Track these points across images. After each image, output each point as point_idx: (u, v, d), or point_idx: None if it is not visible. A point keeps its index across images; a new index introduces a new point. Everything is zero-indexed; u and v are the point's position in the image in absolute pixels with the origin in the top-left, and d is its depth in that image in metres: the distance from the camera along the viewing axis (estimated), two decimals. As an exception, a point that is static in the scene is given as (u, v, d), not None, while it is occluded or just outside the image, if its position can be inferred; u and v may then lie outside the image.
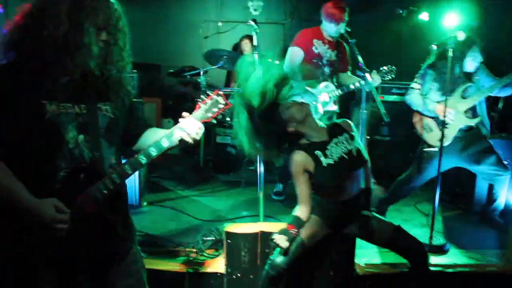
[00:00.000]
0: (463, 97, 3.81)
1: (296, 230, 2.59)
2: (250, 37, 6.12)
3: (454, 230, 4.02)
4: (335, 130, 2.73)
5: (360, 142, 2.80)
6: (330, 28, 4.41)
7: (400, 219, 4.23)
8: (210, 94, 1.99)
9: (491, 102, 5.24)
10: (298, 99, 2.65)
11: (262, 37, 5.54)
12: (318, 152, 2.61)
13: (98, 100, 1.82)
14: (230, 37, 6.97)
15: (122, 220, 1.90)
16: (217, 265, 3.18)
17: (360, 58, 4.06)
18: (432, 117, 3.90)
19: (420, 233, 3.70)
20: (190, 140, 1.90)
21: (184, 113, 1.95)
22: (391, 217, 4.20)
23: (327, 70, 4.49)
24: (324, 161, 2.60)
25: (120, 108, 1.91)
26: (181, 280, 3.12)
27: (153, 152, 1.84)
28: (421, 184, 4.08)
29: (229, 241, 3.04)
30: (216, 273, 3.12)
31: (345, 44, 4.61)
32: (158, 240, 3.52)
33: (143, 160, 1.83)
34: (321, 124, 2.71)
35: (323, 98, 4.38)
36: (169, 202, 4.52)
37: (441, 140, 3.54)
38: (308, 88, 4.31)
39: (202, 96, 1.96)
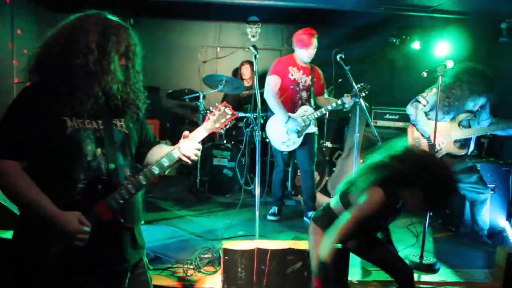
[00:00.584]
0: (460, 125, 3.96)
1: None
2: (250, 62, 6.34)
3: (444, 251, 4.12)
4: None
5: None
6: (301, 54, 4.73)
7: (393, 240, 4.30)
8: (218, 105, 2.15)
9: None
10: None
11: (259, 63, 5.75)
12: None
13: (113, 116, 1.97)
14: (228, 62, 7.16)
15: (135, 231, 2.00)
16: (214, 281, 3.25)
17: (354, 84, 4.22)
18: (423, 136, 4.05)
19: (411, 253, 3.82)
20: (188, 161, 2.06)
21: (185, 132, 2.10)
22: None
23: (304, 94, 4.79)
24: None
25: (133, 124, 2.07)
26: (178, 297, 3.19)
27: (165, 162, 1.99)
28: None
29: (226, 257, 3.11)
30: (213, 289, 3.20)
31: (318, 68, 4.90)
32: (155, 257, 3.59)
33: (156, 171, 1.96)
34: None
35: (305, 122, 4.64)
36: (166, 221, 4.59)
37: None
38: (290, 114, 4.55)
39: (211, 108, 2.13)
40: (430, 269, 3.63)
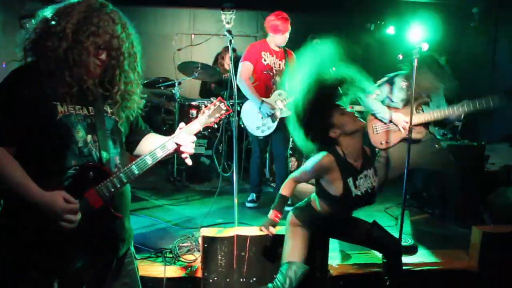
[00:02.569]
0: (417, 111, 3.98)
1: (280, 216, 2.75)
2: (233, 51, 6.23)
3: (422, 233, 4.19)
4: (367, 161, 2.73)
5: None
6: (278, 39, 4.71)
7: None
8: (213, 100, 2.15)
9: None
10: (358, 109, 2.67)
11: (236, 49, 5.70)
12: (349, 180, 2.60)
13: (104, 102, 1.92)
14: (203, 50, 7.05)
15: (124, 220, 1.99)
16: (194, 269, 3.23)
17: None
18: (383, 122, 4.09)
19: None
20: (184, 152, 2.05)
21: (181, 124, 2.08)
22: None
23: (278, 79, 4.76)
24: (354, 191, 2.62)
25: (124, 112, 1.99)
26: (159, 285, 3.15)
27: (158, 153, 1.96)
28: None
29: (205, 245, 3.09)
30: (193, 277, 3.17)
31: (291, 51, 4.88)
32: (135, 246, 3.53)
33: (149, 161, 1.93)
34: (363, 150, 2.73)
35: (279, 106, 4.58)
36: (144, 211, 4.54)
37: (408, 153, 3.65)
38: (264, 99, 4.54)
39: (205, 102, 2.14)
40: (409, 250, 3.68)
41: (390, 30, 6.89)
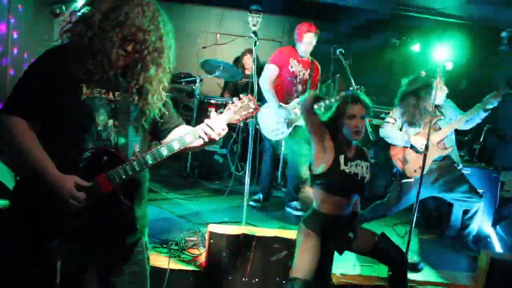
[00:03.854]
0: (435, 129, 3.96)
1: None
2: (250, 52, 6.26)
3: (429, 252, 4.16)
4: (362, 154, 2.87)
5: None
6: (298, 47, 4.72)
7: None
8: (242, 97, 2.01)
9: (473, 135, 5.46)
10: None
11: (259, 52, 5.71)
12: (341, 156, 2.74)
13: (133, 90, 1.90)
14: (227, 50, 7.11)
15: (136, 209, 1.96)
16: (198, 263, 3.24)
17: (352, 80, 4.21)
18: (408, 147, 4.04)
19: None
20: (210, 139, 1.95)
21: (212, 113, 1.99)
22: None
23: (300, 88, 4.75)
24: (342, 166, 2.72)
25: (155, 102, 1.96)
26: (162, 276, 3.17)
27: (176, 145, 1.89)
28: (398, 211, 4.23)
29: (211, 241, 3.11)
30: (196, 271, 3.19)
31: (317, 63, 4.87)
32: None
33: (165, 152, 1.88)
34: (357, 144, 2.88)
35: (297, 114, 4.62)
36: (154, 203, 4.57)
37: (422, 167, 3.64)
38: (282, 104, 4.55)
39: (234, 98, 2.00)
40: (414, 268, 3.65)
41: (416, 47, 6.86)
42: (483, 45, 5.91)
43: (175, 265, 3.22)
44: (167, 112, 2.07)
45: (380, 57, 7.35)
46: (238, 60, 6.71)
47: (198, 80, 5.62)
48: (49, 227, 1.78)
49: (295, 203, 4.78)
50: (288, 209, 4.84)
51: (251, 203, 4.89)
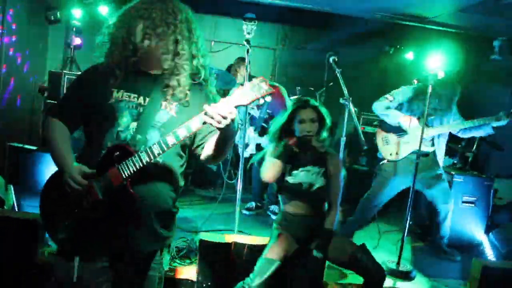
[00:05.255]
0: (427, 125, 4.01)
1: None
2: (244, 60, 6.24)
3: (422, 260, 4.15)
4: (318, 159, 2.95)
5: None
6: None
7: (371, 247, 4.32)
8: (254, 79, 1.75)
9: (466, 143, 5.47)
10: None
11: (253, 61, 5.70)
12: (287, 165, 2.91)
13: (167, 97, 1.94)
14: (222, 57, 7.11)
15: (153, 217, 1.93)
16: (189, 272, 3.23)
17: (344, 88, 4.21)
18: (392, 132, 4.17)
19: (389, 259, 3.85)
20: (215, 124, 1.72)
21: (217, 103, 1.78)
22: (366, 244, 4.32)
23: None
24: (287, 175, 2.93)
25: (189, 112, 1.91)
26: (152, 285, 3.15)
27: (181, 132, 1.79)
28: (384, 202, 4.27)
29: (203, 249, 3.09)
30: (187, 280, 3.17)
31: None
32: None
33: (171, 140, 1.80)
34: (318, 147, 2.98)
35: None
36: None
37: (414, 176, 3.66)
38: None
39: (245, 83, 1.77)
40: (406, 276, 3.64)
41: (409, 55, 6.90)
42: (475, 53, 5.94)
43: (167, 274, 3.19)
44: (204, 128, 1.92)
45: (374, 65, 7.39)
46: (231, 68, 6.70)
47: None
48: (60, 217, 1.88)
49: (273, 207, 4.82)
50: (268, 212, 4.88)
51: (244, 211, 4.89)
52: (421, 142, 3.71)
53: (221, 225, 4.27)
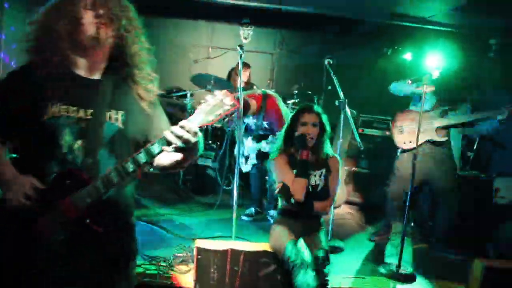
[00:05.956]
0: (441, 116, 4.12)
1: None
2: (245, 65, 6.21)
3: (422, 261, 4.10)
4: (322, 163, 3.17)
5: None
6: None
7: (375, 249, 4.33)
8: (216, 93, 1.65)
9: (467, 143, 5.44)
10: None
11: (251, 65, 5.72)
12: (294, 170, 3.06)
13: (110, 106, 1.74)
14: (219, 63, 7.12)
15: (111, 231, 1.75)
16: (186, 280, 3.21)
17: (340, 91, 4.21)
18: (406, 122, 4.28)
19: (389, 261, 3.83)
20: (180, 145, 1.62)
21: (181, 122, 1.64)
22: (366, 247, 4.34)
23: None
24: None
25: (136, 119, 1.81)
26: (150, 293, 3.14)
27: (142, 159, 1.64)
28: (402, 191, 4.29)
29: (199, 256, 3.07)
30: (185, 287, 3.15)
31: None
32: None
33: (131, 167, 1.64)
34: (320, 152, 3.19)
35: None
36: (145, 219, 4.54)
37: (412, 175, 3.65)
38: None
39: (207, 97, 1.65)
40: (407, 278, 3.60)
41: (407, 55, 6.86)
42: (472, 52, 5.91)
43: (164, 281, 3.18)
44: (153, 131, 1.86)
45: (373, 67, 7.35)
46: (230, 74, 6.70)
47: (188, 94, 5.62)
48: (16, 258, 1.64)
49: (272, 212, 4.80)
50: (268, 217, 4.87)
51: (244, 217, 4.87)
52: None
53: (219, 232, 4.25)
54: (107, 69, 1.80)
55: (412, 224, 4.92)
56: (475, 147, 5.51)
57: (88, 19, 1.66)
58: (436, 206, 4.44)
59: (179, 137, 1.60)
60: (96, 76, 1.78)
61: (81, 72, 1.75)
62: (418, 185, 4.30)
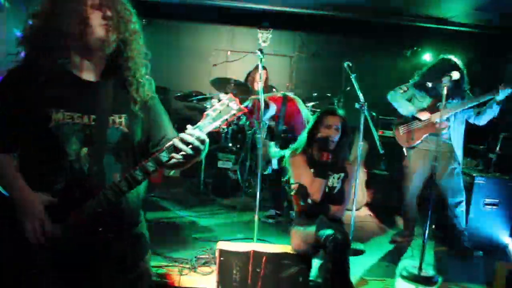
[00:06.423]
0: (438, 108, 4.13)
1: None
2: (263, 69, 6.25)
3: (444, 264, 4.08)
4: (340, 167, 3.29)
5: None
6: None
7: (395, 252, 4.33)
8: (222, 98, 1.67)
9: (489, 144, 5.38)
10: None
11: (270, 68, 5.75)
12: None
13: (112, 111, 1.72)
14: (238, 66, 7.17)
15: (120, 237, 1.76)
16: (209, 282, 3.25)
17: (359, 93, 4.21)
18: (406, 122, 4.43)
19: (411, 264, 3.80)
20: (189, 152, 1.62)
21: (188, 126, 1.66)
22: (386, 249, 4.33)
23: None
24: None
25: (140, 122, 1.81)
26: (172, 294, 3.19)
27: (150, 167, 1.64)
28: (415, 195, 4.45)
29: (222, 258, 3.11)
30: (207, 289, 3.20)
31: None
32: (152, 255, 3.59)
33: (140, 176, 1.64)
34: (344, 155, 3.33)
35: None
36: (166, 221, 4.60)
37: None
38: None
39: (212, 101, 1.66)
40: (428, 281, 3.58)
41: (427, 56, 6.83)
42: (493, 52, 5.86)
43: (186, 283, 3.22)
44: (156, 133, 1.87)
45: (392, 69, 7.31)
46: (248, 76, 6.75)
47: (209, 98, 5.68)
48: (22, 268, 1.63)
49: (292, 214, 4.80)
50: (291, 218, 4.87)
51: (264, 219, 4.89)
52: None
53: (241, 234, 4.29)
54: (104, 71, 1.77)
55: (433, 226, 4.88)
56: (497, 148, 5.42)
57: (96, 20, 1.63)
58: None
59: (189, 144, 1.61)
60: (94, 78, 1.74)
61: (80, 73, 1.70)
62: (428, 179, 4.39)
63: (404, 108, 4.39)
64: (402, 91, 4.47)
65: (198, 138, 1.62)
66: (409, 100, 4.42)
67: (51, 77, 1.60)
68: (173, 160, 1.68)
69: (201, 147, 1.64)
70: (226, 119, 1.65)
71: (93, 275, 1.72)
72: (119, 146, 1.72)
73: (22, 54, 1.65)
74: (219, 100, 1.67)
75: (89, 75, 1.72)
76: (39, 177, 1.63)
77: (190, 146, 1.62)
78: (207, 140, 1.66)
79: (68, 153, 1.62)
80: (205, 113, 1.66)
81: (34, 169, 1.65)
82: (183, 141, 1.61)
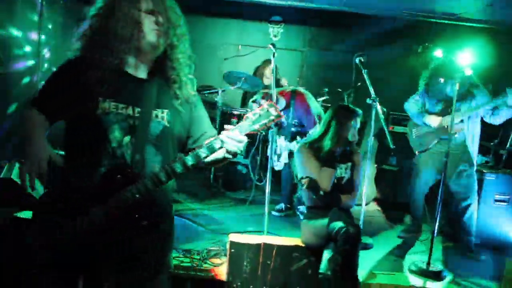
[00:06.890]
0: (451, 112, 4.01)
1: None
2: (270, 62, 6.30)
3: (453, 260, 4.10)
4: (348, 157, 3.42)
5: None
6: None
7: (404, 247, 4.36)
8: (263, 103, 1.80)
9: (500, 140, 5.36)
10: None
11: (280, 63, 5.77)
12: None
13: (156, 106, 1.84)
14: (248, 61, 7.19)
15: (152, 229, 1.84)
16: (219, 273, 3.30)
17: (371, 88, 4.22)
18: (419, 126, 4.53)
19: (420, 259, 3.84)
20: (226, 154, 1.79)
21: (226, 126, 1.79)
22: (395, 244, 4.37)
23: None
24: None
25: (180, 117, 1.92)
26: (183, 286, 3.24)
27: (189, 161, 1.75)
28: (422, 195, 4.52)
29: (232, 250, 3.16)
30: (218, 280, 3.24)
31: None
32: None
33: (179, 168, 1.74)
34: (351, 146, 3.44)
35: None
36: (178, 213, 4.66)
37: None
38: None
39: (254, 105, 1.84)
40: (437, 276, 3.61)
41: (438, 53, 6.79)
42: (506, 48, 5.82)
43: (197, 274, 3.28)
44: (196, 130, 1.99)
45: (403, 64, 7.28)
46: (257, 71, 6.76)
47: (220, 92, 5.71)
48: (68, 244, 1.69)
49: (302, 208, 4.84)
50: (298, 213, 4.96)
51: (274, 212, 4.95)
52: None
53: (251, 227, 4.34)
54: (152, 69, 1.90)
55: (442, 222, 4.89)
56: (508, 145, 5.41)
57: (149, 25, 1.78)
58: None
59: (232, 142, 1.75)
60: (143, 76, 1.87)
61: (131, 70, 1.84)
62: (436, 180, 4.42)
63: (416, 116, 4.49)
64: (414, 100, 4.54)
65: (237, 139, 1.76)
66: (423, 106, 4.48)
67: (103, 71, 1.73)
68: (210, 158, 1.80)
69: (240, 148, 1.78)
70: (265, 124, 1.78)
71: (119, 265, 1.79)
72: (160, 138, 1.83)
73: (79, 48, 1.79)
74: (260, 105, 1.83)
75: (137, 72, 1.86)
76: (85, 158, 1.74)
77: (231, 146, 1.75)
78: (246, 141, 1.79)
79: (109, 139, 1.74)
80: (245, 115, 1.79)
81: (78, 152, 1.76)
82: (227, 139, 1.75)
